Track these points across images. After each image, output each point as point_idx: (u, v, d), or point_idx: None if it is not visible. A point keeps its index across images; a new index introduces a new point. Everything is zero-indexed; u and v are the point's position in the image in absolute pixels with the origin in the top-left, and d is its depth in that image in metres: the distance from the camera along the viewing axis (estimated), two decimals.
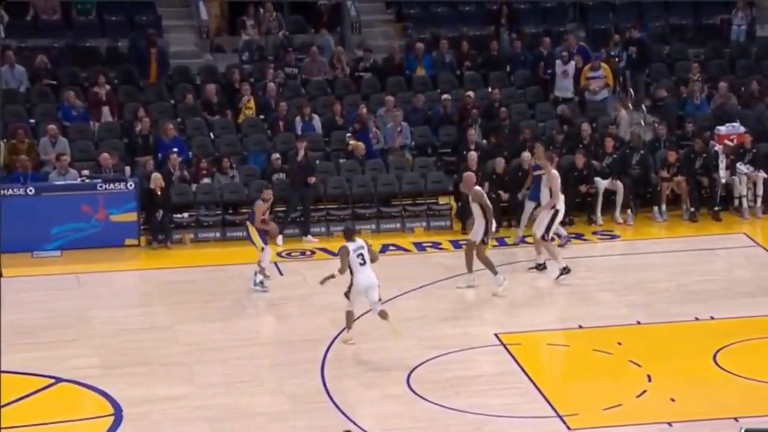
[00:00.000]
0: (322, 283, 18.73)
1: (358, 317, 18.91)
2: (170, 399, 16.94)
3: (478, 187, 20.75)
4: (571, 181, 23.93)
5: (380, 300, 18.53)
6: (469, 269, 20.70)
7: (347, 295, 18.66)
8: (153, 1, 28.76)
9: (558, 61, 27.25)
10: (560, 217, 21.40)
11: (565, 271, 21.03)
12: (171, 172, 23.79)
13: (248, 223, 21.19)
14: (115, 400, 16.80)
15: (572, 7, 29.91)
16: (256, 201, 21.40)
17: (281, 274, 21.69)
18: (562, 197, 21.22)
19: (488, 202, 20.57)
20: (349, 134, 25.31)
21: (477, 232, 20.47)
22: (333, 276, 18.53)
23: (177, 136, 24.87)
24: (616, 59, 27.86)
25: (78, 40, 27.54)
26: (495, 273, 20.47)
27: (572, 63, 27.13)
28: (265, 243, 20.98)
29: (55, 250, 22.86)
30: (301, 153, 23.88)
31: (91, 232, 23.08)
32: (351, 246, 18.56)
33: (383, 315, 18.39)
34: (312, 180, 23.92)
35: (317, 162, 24.70)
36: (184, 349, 18.68)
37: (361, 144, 24.96)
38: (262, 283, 20.86)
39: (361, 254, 18.51)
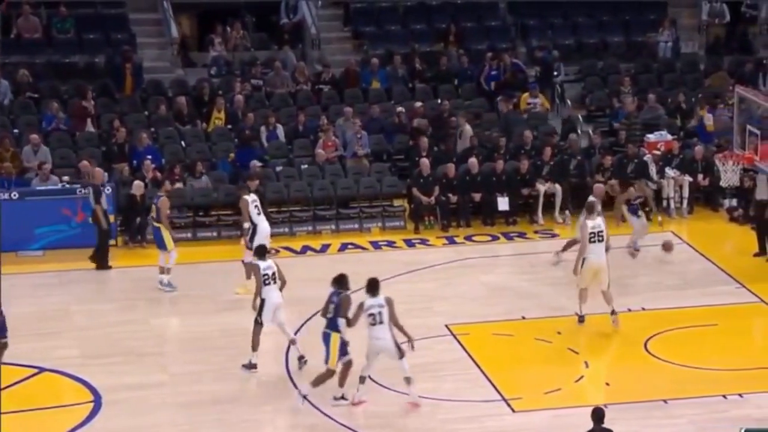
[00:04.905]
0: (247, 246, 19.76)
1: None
2: (146, 386, 16.87)
3: (590, 198, 20.50)
4: (514, 184, 24.13)
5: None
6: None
7: (249, 245, 19.65)
8: (128, 20, 28.60)
9: (494, 73, 27.45)
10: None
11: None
12: (145, 178, 23.65)
13: (156, 223, 20.80)
14: (94, 387, 16.74)
15: (514, 26, 29.99)
16: (159, 198, 20.98)
17: None
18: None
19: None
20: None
21: None
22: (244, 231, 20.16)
23: (150, 145, 24.74)
24: (555, 74, 27.98)
25: (58, 57, 27.34)
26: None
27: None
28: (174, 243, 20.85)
29: (38, 250, 22.68)
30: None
31: (72, 234, 22.91)
32: (249, 198, 20.07)
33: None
34: None
35: (280, 168, 24.52)
36: (158, 341, 18.60)
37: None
38: (170, 283, 20.69)
39: (257, 205, 19.97)
